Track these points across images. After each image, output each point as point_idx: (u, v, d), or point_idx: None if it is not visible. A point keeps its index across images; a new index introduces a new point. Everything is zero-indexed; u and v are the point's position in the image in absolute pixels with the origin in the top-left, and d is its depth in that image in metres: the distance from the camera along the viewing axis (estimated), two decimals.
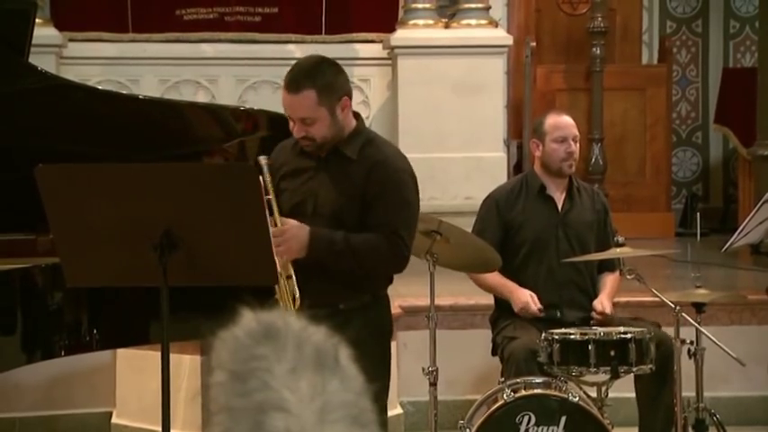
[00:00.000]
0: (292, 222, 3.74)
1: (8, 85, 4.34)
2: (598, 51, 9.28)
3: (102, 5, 8.96)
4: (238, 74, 9.06)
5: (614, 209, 5.71)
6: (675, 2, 10.65)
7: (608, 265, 5.08)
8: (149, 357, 5.28)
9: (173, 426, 3.69)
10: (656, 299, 4.77)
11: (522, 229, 5.04)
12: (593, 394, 4.64)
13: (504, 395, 4.46)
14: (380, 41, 9.07)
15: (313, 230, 3.74)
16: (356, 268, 3.77)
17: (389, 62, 8.99)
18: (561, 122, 5.08)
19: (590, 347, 4.55)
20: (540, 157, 5.08)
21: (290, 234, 3.70)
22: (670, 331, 4.72)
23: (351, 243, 3.74)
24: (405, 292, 5.74)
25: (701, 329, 4.81)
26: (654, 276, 5.91)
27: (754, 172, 8.69)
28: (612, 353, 4.55)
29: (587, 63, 9.37)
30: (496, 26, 9.09)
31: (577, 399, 4.45)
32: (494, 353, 5.06)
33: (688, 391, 4.81)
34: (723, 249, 5.40)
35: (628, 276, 4.74)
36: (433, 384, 4.64)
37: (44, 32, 7.84)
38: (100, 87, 6.57)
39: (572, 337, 4.60)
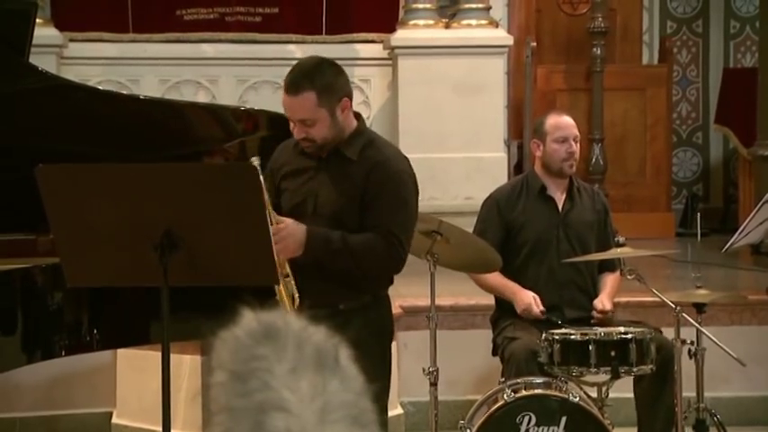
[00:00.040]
0: (288, 221, 3.74)
1: (9, 86, 4.34)
2: (598, 51, 9.27)
3: (103, 5, 8.94)
4: (239, 74, 9.06)
5: (615, 209, 5.71)
6: (676, 2, 10.64)
7: (608, 266, 5.08)
8: (150, 357, 5.28)
9: (173, 426, 3.69)
10: (657, 299, 4.76)
11: (523, 230, 5.04)
12: (594, 394, 4.64)
13: (505, 395, 4.46)
14: (381, 42, 9.05)
15: (310, 229, 3.73)
16: (353, 268, 3.76)
17: (390, 62, 8.98)
18: (562, 123, 5.08)
19: (590, 348, 4.55)
20: (541, 157, 5.08)
21: (286, 232, 3.69)
22: (670, 331, 4.72)
23: (348, 242, 3.73)
24: (405, 293, 5.73)
25: (702, 330, 4.81)
26: (654, 276, 5.91)
27: (754, 172, 8.68)
28: (613, 353, 4.55)
29: (588, 63, 9.37)
30: (497, 26, 9.08)
31: (578, 399, 4.45)
32: (494, 353, 5.06)
33: (688, 392, 4.80)
34: (723, 249, 5.40)
35: (628, 276, 4.74)
36: (434, 384, 4.64)
37: (44, 32, 7.83)
38: (100, 87, 6.58)
39: (572, 337, 4.60)
